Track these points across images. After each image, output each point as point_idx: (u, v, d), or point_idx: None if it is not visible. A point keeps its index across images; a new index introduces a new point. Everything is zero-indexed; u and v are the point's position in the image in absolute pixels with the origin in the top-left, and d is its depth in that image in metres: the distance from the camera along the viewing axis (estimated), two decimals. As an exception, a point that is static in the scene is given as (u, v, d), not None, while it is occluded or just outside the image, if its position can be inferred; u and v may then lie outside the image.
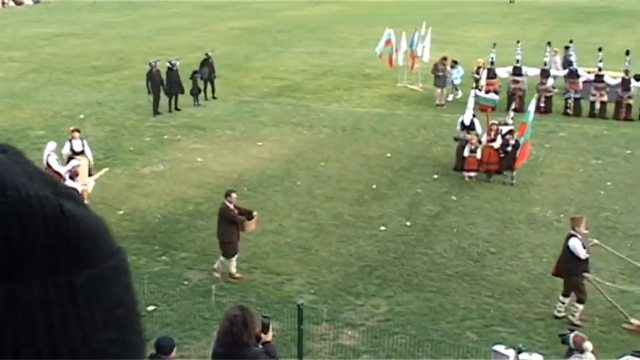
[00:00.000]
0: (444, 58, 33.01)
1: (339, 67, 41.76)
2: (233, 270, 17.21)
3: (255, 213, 17.53)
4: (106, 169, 21.55)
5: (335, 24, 58.95)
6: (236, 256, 17.23)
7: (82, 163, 20.12)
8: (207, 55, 34.23)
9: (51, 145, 21.85)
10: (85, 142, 22.56)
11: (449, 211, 21.22)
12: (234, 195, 17.25)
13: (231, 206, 17.05)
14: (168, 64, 31.70)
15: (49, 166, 21.44)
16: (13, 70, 41.84)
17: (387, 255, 18.52)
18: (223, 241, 17.13)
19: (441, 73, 32.35)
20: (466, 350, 14.07)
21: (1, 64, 43.99)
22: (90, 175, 21.43)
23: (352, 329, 15.13)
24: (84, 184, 19.74)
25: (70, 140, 22.12)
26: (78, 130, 22.65)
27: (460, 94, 32.57)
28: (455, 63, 33.45)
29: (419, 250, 18.76)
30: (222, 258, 17.25)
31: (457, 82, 33.29)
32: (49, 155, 21.51)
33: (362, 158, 25.73)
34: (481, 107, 26.27)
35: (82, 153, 22.14)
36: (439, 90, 32.54)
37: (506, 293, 16.58)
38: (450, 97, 33.07)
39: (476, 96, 26.13)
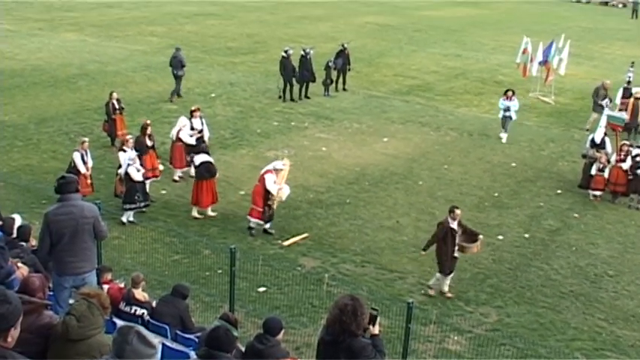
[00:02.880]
0: (605, 83, 30.38)
1: (471, 71, 41.43)
2: (445, 288, 16.72)
3: (481, 236, 16.85)
4: (305, 235, 19.46)
5: (472, 27, 58.41)
6: (451, 275, 16.71)
7: (285, 168, 19.53)
8: (343, 46, 34.47)
9: (182, 121, 22.44)
10: (204, 120, 23.08)
11: (569, 228, 20.84)
12: (457, 211, 16.32)
13: (454, 224, 16.32)
14: (302, 52, 32.13)
15: (179, 139, 22.05)
16: (153, 44, 43.10)
17: (502, 265, 18.35)
18: (441, 257, 16.55)
19: (600, 100, 29.65)
20: (573, 371, 13.86)
21: (142, 38, 45.39)
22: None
23: (459, 335, 15.08)
24: (279, 189, 19.01)
25: (191, 119, 22.63)
26: (198, 109, 23.17)
27: (505, 137, 28.44)
28: (512, 93, 28.41)
29: (535, 264, 18.51)
30: (438, 274, 16.75)
31: (513, 116, 28.25)
32: (180, 130, 22.10)
33: (486, 165, 25.51)
34: (611, 126, 25.66)
35: (201, 131, 22.64)
36: (595, 115, 29.46)
37: (621, 319, 16.20)
38: (504, 138, 28.28)
39: (607, 114, 25.54)
